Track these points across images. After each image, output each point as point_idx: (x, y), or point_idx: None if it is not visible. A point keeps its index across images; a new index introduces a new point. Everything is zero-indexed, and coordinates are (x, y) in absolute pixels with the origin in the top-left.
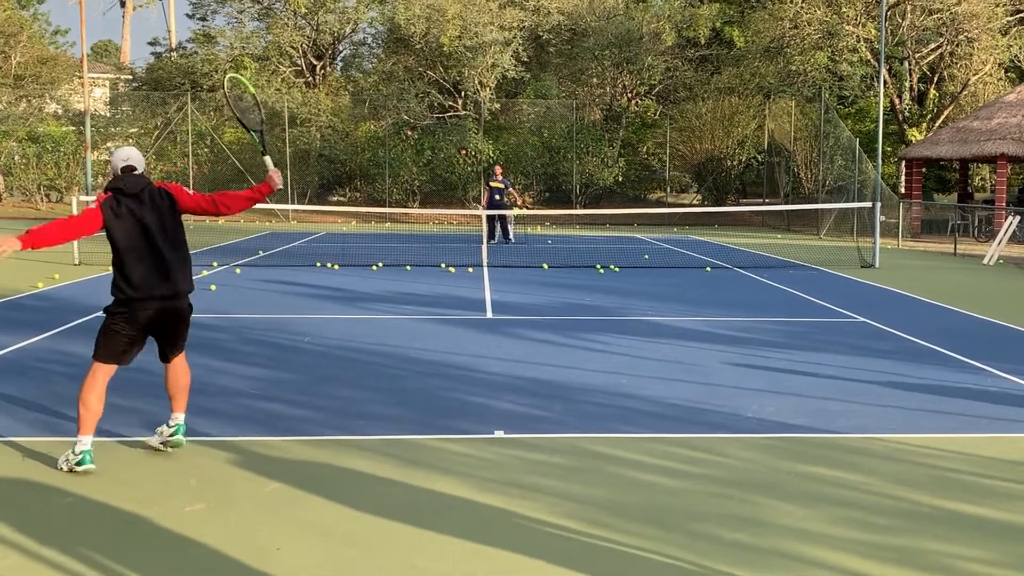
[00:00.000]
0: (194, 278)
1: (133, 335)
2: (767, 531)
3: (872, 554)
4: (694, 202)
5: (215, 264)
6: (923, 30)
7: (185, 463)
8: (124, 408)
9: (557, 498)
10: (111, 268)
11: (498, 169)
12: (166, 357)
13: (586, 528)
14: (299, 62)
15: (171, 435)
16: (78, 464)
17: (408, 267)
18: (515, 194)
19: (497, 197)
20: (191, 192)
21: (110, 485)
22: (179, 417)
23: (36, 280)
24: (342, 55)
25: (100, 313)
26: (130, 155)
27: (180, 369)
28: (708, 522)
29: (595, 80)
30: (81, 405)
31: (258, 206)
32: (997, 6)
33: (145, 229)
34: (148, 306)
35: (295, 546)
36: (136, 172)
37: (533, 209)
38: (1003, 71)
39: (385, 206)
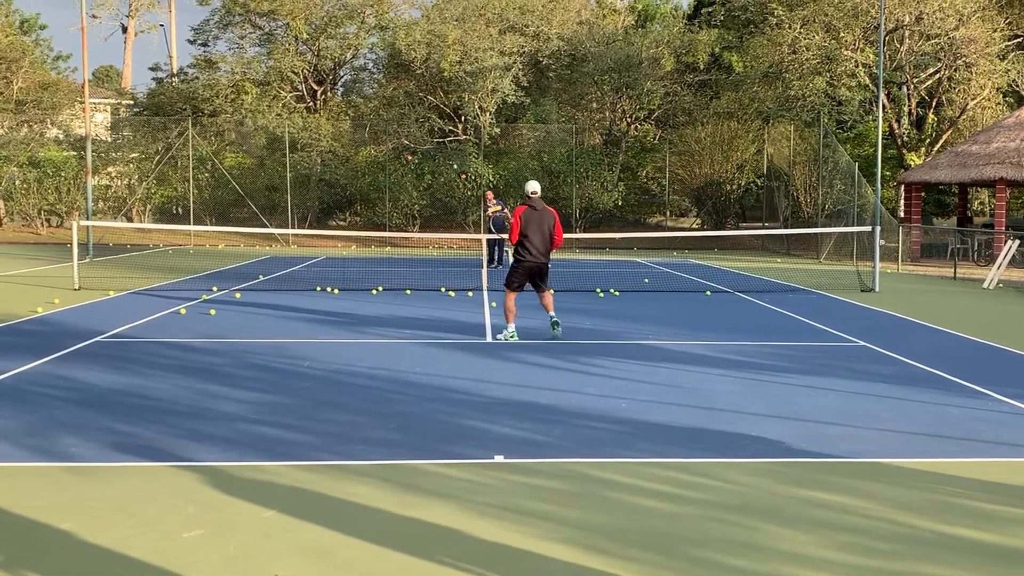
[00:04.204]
0: (193, 303)
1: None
2: (768, 557)
3: None
4: (694, 226)
5: (215, 289)
6: (921, 55)
7: (183, 488)
8: (123, 433)
9: (556, 523)
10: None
11: (489, 194)
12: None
13: (585, 554)
14: (300, 87)
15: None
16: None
17: (408, 291)
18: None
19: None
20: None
21: (107, 510)
22: (552, 316)
23: (36, 305)
24: (343, 80)
25: (100, 338)
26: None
27: (547, 297)
28: (708, 548)
29: (595, 105)
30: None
31: (257, 230)
32: (995, 31)
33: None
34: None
35: (293, 572)
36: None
37: None
38: (1001, 96)
39: (385, 230)
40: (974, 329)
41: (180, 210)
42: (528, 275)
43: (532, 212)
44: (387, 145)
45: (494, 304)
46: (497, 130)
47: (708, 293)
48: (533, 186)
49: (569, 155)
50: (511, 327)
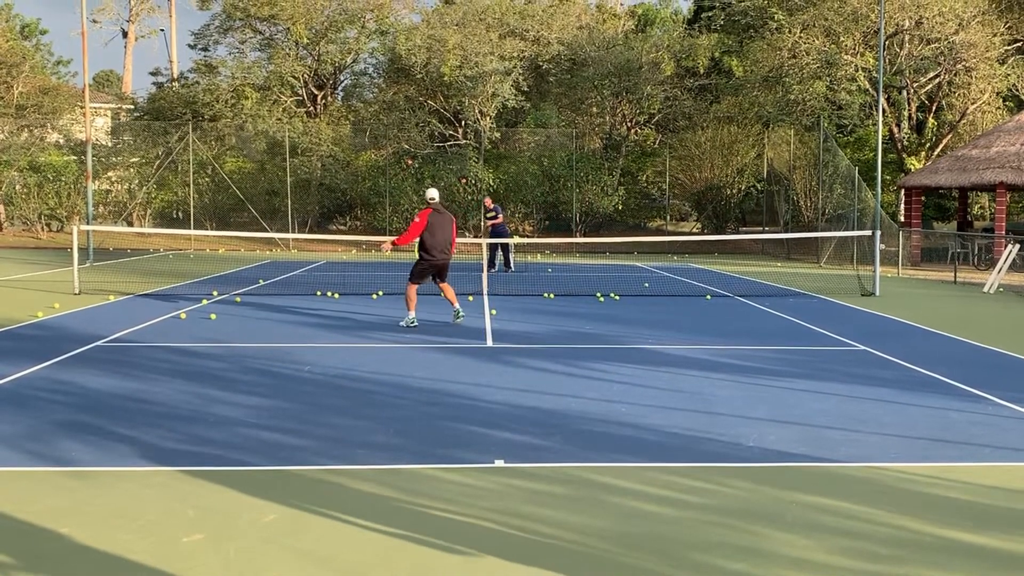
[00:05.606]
0: (193, 307)
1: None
2: (769, 561)
3: None
4: (694, 230)
5: (215, 293)
6: (921, 59)
7: (183, 493)
8: (124, 437)
9: (557, 528)
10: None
11: (488, 201)
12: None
13: (586, 558)
14: (300, 92)
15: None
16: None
17: None
18: (501, 219)
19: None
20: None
21: (107, 515)
22: (455, 307)
23: (36, 309)
24: (343, 85)
25: (100, 343)
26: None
27: (449, 290)
28: (709, 552)
29: (595, 109)
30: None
31: (258, 234)
32: (995, 36)
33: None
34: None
35: None
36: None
37: (533, 238)
38: (1001, 100)
39: (386, 234)
40: (974, 333)
41: (180, 214)
42: (431, 272)
43: (436, 215)
44: (387, 149)
45: (494, 311)
46: (497, 134)
47: (708, 297)
48: (433, 193)
49: (569, 159)
50: (412, 314)
